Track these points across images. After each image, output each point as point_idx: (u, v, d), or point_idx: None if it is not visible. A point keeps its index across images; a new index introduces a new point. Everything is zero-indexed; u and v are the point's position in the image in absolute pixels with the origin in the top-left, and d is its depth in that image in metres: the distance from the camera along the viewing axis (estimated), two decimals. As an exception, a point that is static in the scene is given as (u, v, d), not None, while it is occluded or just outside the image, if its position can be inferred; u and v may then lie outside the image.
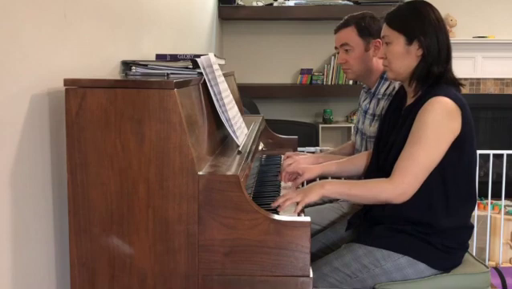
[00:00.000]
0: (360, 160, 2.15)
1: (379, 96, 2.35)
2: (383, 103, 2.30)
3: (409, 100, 1.94)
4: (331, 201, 2.50)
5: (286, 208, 1.72)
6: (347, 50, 2.38)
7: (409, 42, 1.88)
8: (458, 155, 1.82)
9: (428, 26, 1.87)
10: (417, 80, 1.89)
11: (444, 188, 1.84)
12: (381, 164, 1.94)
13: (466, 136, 1.83)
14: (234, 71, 2.86)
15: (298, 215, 1.71)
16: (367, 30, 2.33)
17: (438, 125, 1.78)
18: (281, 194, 1.89)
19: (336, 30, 2.43)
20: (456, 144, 1.81)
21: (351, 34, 2.37)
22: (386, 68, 1.97)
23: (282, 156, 2.56)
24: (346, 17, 2.43)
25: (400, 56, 1.90)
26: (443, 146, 1.80)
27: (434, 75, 1.86)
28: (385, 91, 2.33)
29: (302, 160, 2.21)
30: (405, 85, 1.97)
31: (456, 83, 1.91)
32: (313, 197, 1.78)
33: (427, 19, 1.88)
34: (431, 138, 1.78)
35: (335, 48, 2.45)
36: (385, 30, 1.94)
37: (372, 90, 2.40)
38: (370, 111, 2.39)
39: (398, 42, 1.90)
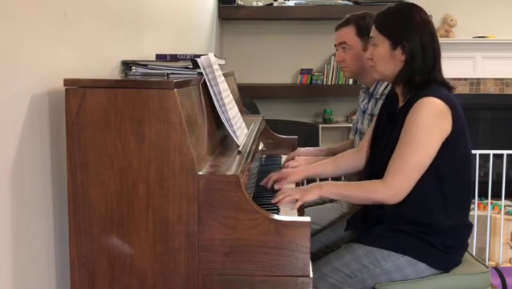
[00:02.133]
0: (344, 160, 2.16)
1: (377, 96, 2.35)
2: (381, 103, 2.30)
3: (401, 102, 1.95)
4: (331, 200, 2.50)
5: (285, 204, 1.77)
6: (344, 48, 2.41)
7: (394, 47, 1.89)
8: (452, 154, 1.83)
9: (413, 33, 1.87)
10: (403, 84, 1.90)
11: (440, 187, 1.84)
12: (376, 166, 1.95)
13: (458, 135, 1.83)
14: (234, 71, 2.86)
15: (298, 215, 1.72)
16: (366, 30, 2.34)
17: (428, 126, 1.79)
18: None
19: (336, 28, 2.46)
20: (448, 144, 1.81)
21: (349, 33, 2.39)
22: (372, 69, 1.99)
23: (283, 155, 2.57)
24: (347, 15, 2.44)
25: (384, 59, 1.91)
26: (434, 146, 1.80)
27: (415, 82, 1.86)
28: (383, 91, 2.33)
29: (302, 162, 2.22)
30: (394, 87, 1.98)
31: (445, 85, 1.90)
32: (311, 196, 1.82)
33: (413, 25, 1.88)
34: (421, 139, 1.78)
35: (335, 46, 2.47)
36: (373, 31, 1.96)
37: (371, 90, 2.41)
38: (368, 111, 2.40)
39: (383, 45, 1.91)
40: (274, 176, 2.04)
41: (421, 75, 1.86)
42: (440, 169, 1.83)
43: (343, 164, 2.16)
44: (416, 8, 1.93)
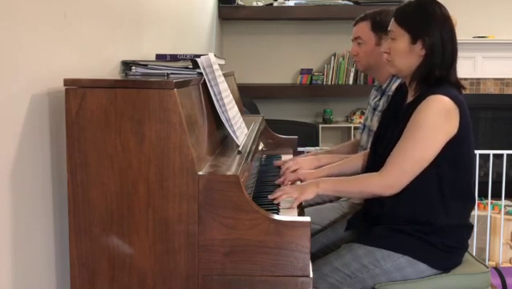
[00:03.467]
0: (357, 161, 2.16)
1: (390, 93, 2.34)
2: None
3: (409, 98, 1.94)
4: (331, 200, 2.50)
5: (282, 200, 1.78)
6: (359, 44, 2.45)
7: (413, 41, 1.88)
8: (454, 154, 1.83)
9: (434, 27, 1.86)
10: (418, 80, 1.89)
11: (440, 186, 1.84)
12: (377, 161, 1.95)
13: (463, 135, 1.83)
14: (234, 71, 2.86)
15: (298, 214, 1.72)
16: (381, 26, 2.35)
17: (434, 124, 1.78)
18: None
19: (354, 23, 2.51)
20: (452, 143, 1.81)
21: (364, 29, 2.44)
22: (389, 63, 1.97)
23: (283, 156, 2.57)
24: (367, 11, 2.49)
25: (403, 54, 1.90)
26: (437, 144, 1.80)
27: (435, 77, 1.85)
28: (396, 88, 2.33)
29: (303, 163, 2.22)
30: (407, 83, 1.97)
31: (458, 86, 1.90)
32: (308, 195, 1.83)
33: (434, 20, 1.87)
34: (424, 136, 1.79)
35: (352, 40, 2.51)
36: (392, 25, 1.94)
37: (383, 87, 2.42)
38: (379, 108, 2.40)
39: (402, 39, 1.90)
40: (290, 176, 2.05)
41: (440, 70, 1.85)
42: (440, 168, 1.82)
43: (359, 165, 2.15)
44: (437, 3, 1.91)
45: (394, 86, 2.33)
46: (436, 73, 1.85)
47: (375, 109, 2.44)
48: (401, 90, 2.04)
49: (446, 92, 1.81)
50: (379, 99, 2.42)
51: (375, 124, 2.38)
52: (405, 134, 1.82)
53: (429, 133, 1.79)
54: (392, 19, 1.94)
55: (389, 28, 1.95)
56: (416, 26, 1.88)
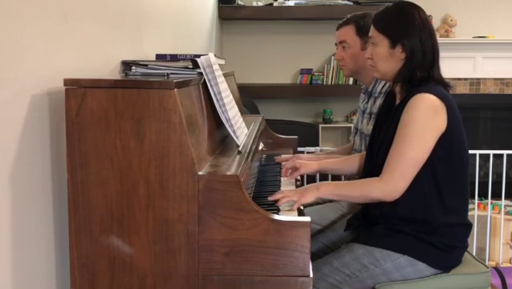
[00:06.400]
0: (356, 160, 2.17)
1: (376, 95, 2.38)
2: (379, 102, 2.31)
3: (397, 100, 1.96)
4: (331, 200, 2.51)
5: (283, 204, 1.78)
6: (344, 48, 2.46)
7: (393, 45, 1.90)
8: (447, 152, 1.83)
9: (412, 30, 1.88)
10: (402, 82, 1.90)
11: (436, 185, 1.85)
12: (373, 163, 1.96)
13: (453, 132, 1.84)
14: (234, 71, 2.86)
15: (298, 214, 1.72)
16: (366, 30, 2.35)
17: (423, 121, 1.79)
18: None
19: (337, 28, 2.52)
20: (444, 141, 1.82)
21: (349, 33, 2.44)
22: (372, 69, 2.00)
23: (283, 156, 2.57)
24: (348, 15, 2.48)
25: (384, 58, 1.93)
26: (429, 142, 1.81)
27: (417, 78, 1.87)
28: (381, 89, 2.35)
29: (302, 158, 2.26)
30: (392, 85, 1.99)
31: (443, 83, 1.91)
32: (308, 198, 1.83)
33: (411, 23, 1.89)
34: (416, 135, 1.79)
35: (335, 44, 2.50)
36: (372, 31, 1.97)
37: (370, 89, 2.44)
38: (367, 110, 2.42)
39: (383, 44, 1.92)
40: (288, 163, 2.16)
41: (422, 70, 1.87)
42: (435, 167, 1.83)
43: (357, 164, 2.16)
44: (415, 6, 1.94)
45: (379, 87, 2.37)
46: (418, 74, 1.88)
47: (364, 112, 2.46)
48: (391, 93, 2.05)
49: (432, 91, 1.83)
50: (367, 101, 2.44)
51: (365, 127, 2.40)
52: (397, 137, 1.83)
53: (420, 131, 1.80)
54: (372, 25, 1.97)
55: (369, 34, 1.99)
56: (394, 31, 1.90)
